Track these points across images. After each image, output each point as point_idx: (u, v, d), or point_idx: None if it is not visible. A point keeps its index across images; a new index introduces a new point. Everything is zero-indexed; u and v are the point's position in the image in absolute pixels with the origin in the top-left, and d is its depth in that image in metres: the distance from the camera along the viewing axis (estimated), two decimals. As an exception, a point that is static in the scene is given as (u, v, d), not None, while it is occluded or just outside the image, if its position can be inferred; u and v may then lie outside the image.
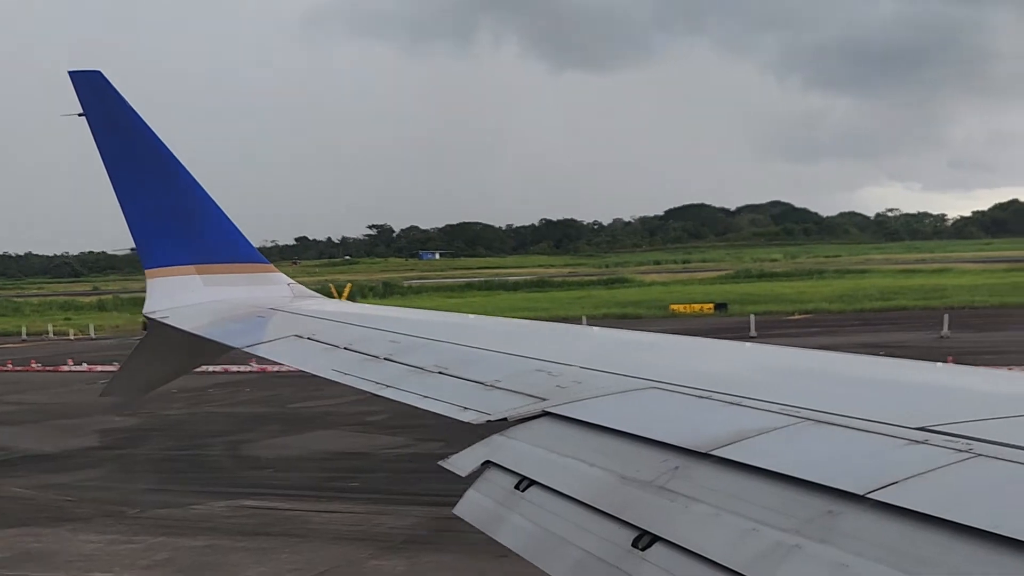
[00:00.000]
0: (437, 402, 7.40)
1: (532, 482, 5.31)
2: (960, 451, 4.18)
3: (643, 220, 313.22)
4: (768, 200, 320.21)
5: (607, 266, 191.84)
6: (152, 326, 14.09)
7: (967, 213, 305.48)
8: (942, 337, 67.91)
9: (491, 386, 7.27)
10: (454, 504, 5.51)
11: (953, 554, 3.42)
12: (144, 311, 14.38)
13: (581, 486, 5.03)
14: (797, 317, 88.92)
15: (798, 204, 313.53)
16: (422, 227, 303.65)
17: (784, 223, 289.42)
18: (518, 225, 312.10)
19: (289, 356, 10.60)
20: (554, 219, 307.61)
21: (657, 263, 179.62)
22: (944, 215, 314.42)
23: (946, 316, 71.98)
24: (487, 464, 5.76)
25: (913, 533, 3.62)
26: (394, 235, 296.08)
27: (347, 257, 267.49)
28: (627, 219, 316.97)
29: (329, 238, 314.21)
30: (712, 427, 5.16)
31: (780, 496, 4.21)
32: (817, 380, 6.31)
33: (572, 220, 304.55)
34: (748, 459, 4.59)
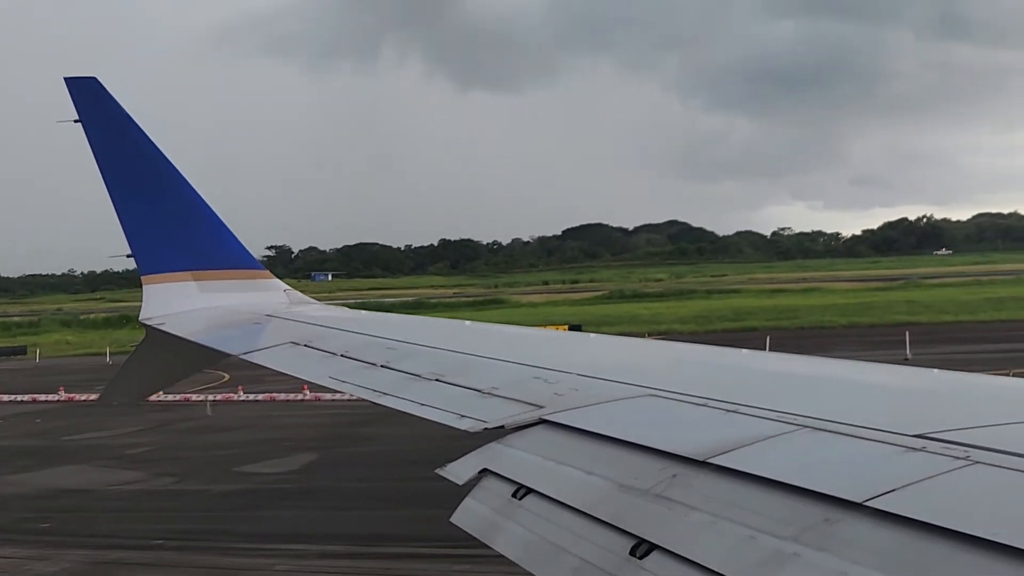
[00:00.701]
0: (434, 410, 7.39)
1: (529, 490, 5.30)
2: (958, 458, 4.17)
3: (541, 240, 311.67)
4: (666, 219, 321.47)
5: (496, 286, 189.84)
6: (148, 332, 14.06)
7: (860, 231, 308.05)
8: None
9: (488, 393, 7.25)
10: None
11: (951, 562, 3.42)
12: (140, 318, 14.35)
13: (578, 494, 5.02)
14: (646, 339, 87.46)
15: (696, 224, 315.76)
16: (320, 248, 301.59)
17: (680, 243, 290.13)
18: (417, 245, 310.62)
19: (285, 363, 10.57)
20: (453, 239, 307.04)
21: (546, 283, 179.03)
22: (838, 234, 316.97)
23: (768, 338, 70.40)
24: (484, 472, 5.75)
25: (911, 541, 3.61)
26: (293, 256, 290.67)
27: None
28: (526, 239, 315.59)
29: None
30: (709, 435, 5.16)
31: (778, 504, 4.20)
32: (814, 387, 6.30)
33: (469, 240, 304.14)
34: (746, 467, 4.58)
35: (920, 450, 4.37)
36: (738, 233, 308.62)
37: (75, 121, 14.12)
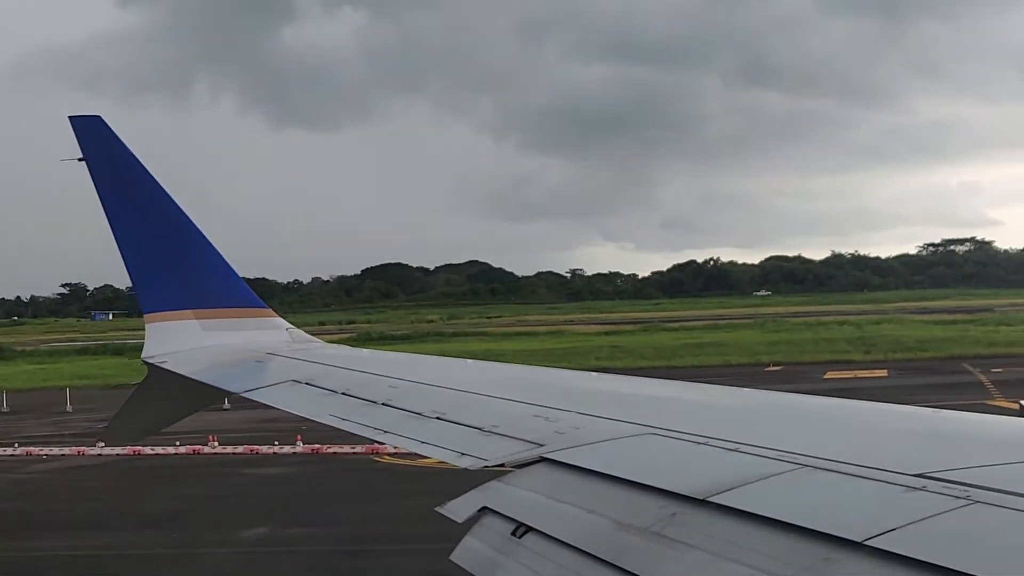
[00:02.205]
0: (435, 448, 7.39)
1: (529, 528, 5.28)
2: (958, 498, 4.16)
3: (341, 279, 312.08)
4: (467, 260, 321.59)
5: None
6: (151, 371, 14.07)
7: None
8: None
9: (489, 432, 7.25)
10: None
11: None
12: (142, 356, 14.36)
13: (578, 532, 5.01)
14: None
15: (497, 264, 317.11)
16: (116, 285, 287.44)
17: (478, 283, 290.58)
18: None
19: (286, 401, 10.57)
20: (250, 277, 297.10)
21: (322, 324, 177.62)
22: (636, 275, 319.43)
23: None
24: (484, 510, 5.73)
25: None
26: (88, 293, 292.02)
27: (15, 318, 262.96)
28: (326, 277, 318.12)
29: (18, 296, 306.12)
30: (710, 474, 5.15)
31: (777, 543, 4.19)
32: (815, 426, 6.29)
33: (265, 279, 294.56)
34: (745, 506, 4.57)
35: (920, 489, 4.36)
36: (538, 274, 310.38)
37: (79, 160, 14.18)
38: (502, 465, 6.40)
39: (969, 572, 3.46)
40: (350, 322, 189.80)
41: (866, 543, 3.87)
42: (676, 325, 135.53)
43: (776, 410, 7.18)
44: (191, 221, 14.91)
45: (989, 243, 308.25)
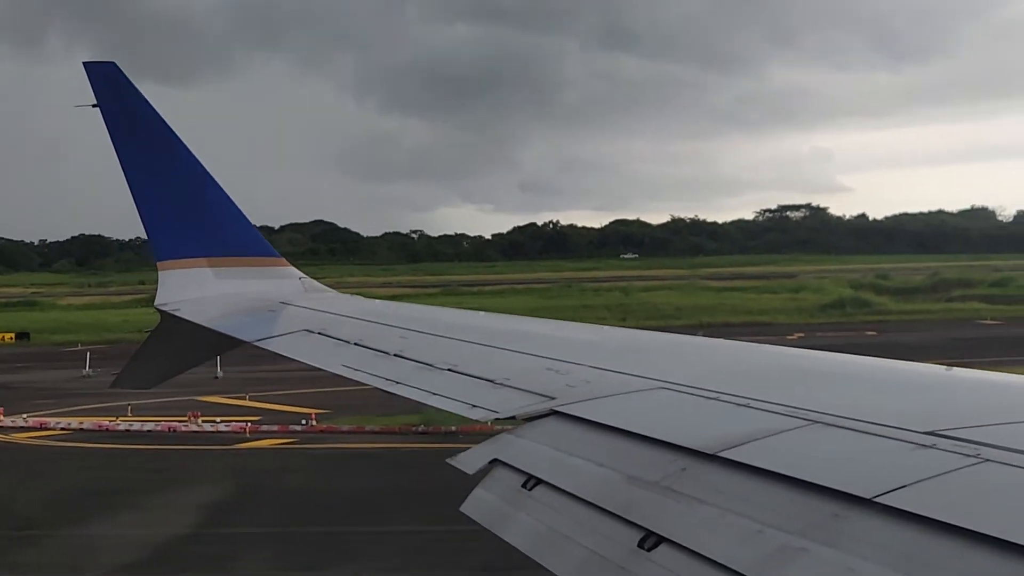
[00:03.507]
0: (446, 399, 7.41)
1: (539, 481, 5.31)
2: (968, 456, 4.16)
3: None
4: (313, 219, 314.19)
5: (89, 285, 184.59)
6: (163, 318, 14.11)
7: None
8: (84, 376, 63.41)
9: (500, 384, 7.27)
10: None
11: (961, 559, 3.42)
12: (155, 303, 14.40)
13: (588, 486, 5.03)
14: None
15: (343, 224, 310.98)
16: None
17: (321, 243, 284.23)
18: (52, 240, 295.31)
19: (299, 351, 10.60)
20: (89, 234, 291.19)
21: (141, 283, 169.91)
22: (481, 236, 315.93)
23: (88, 353, 68.17)
24: (495, 462, 5.76)
25: (920, 537, 3.61)
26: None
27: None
28: None
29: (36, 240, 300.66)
30: (720, 428, 5.16)
31: (787, 499, 4.20)
32: (826, 382, 6.29)
33: (101, 236, 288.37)
34: (755, 461, 4.58)
35: (931, 447, 4.36)
36: (384, 235, 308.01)
37: (93, 106, 14.16)
38: (513, 417, 6.42)
39: (979, 530, 3.47)
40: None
41: (875, 500, 3.88)
42: (475, 289, 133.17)
43: (787, 366, 7.18)
44: (205, 169, 14.90)
45: (824, 209, 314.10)
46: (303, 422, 42.61)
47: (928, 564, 3.48)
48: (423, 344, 9.39)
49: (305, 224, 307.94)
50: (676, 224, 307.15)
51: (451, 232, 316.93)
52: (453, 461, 6.01)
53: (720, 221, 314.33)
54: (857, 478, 4.13)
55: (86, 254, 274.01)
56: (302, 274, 15.55)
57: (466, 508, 5.48)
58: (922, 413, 4.90)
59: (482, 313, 12.90)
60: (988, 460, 4.10)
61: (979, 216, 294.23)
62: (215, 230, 14.96)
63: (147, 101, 14.39)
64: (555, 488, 5.17)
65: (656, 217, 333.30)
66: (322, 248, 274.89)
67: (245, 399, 49.79)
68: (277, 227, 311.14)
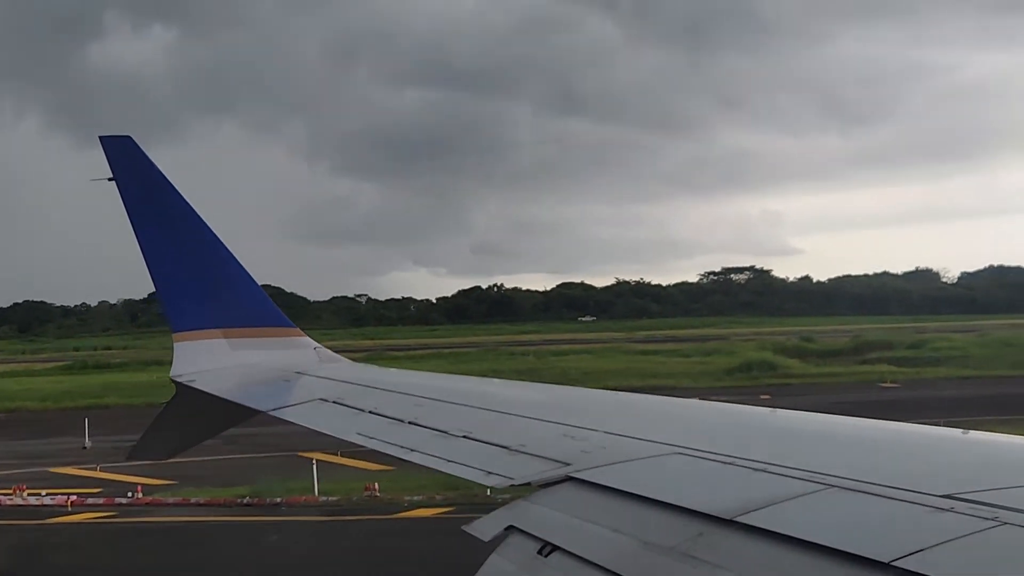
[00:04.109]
0: (461, 466, 7.39)
1: (555, 547, 5.28)
2: (986, 519, 4.15)
3: (127, 303, 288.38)
4: (264, 284, 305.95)
5: (23, 352, 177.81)
6: (179, 389, 14.13)
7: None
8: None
9: (516, 451, 7.25)
10: None
11: None
12: (171, 374, 14.43)
13: (605, 552, 5.01)
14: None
15: (291, 289, 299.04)
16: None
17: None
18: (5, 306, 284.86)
19: (314, 420, 10.60)
20: (34, 300, 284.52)
21: (76, 349, 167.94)
22: (429, 300, 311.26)
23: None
24: (510, 529, 5.74)
25: None
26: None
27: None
28: (113, 301, 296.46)
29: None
30: (737, 493, 5.14)
31: (805, 563, 4.18)
32: (842, 446, 6.28)
33: (44, 302, 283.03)
34: (773, 526, 4.57)
35: (948, 510, 4.35)
36: (332, 299, 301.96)
37: (109, 179, 14.29)
38: (528, 484, 6.40)
39: None
40: (106, 347, 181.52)
41: (894, 564, 3.86)
42: (401, 353, 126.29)
43: (804, 430, 7.16)
44: (220, 241, 15.00)
45: (767, 271, 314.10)
46: (128, 494, 40.99)
47: None
48: (438, 411, 9.39)
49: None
50: (620, 287, 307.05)
51: (399, 296, 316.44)
52: (469, 528, 5.99)
53: (665, 284, 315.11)
54: (875, 542, 4.12)
55: (29, 321, 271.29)
56: (317, 344, 15.59)
57: (482, 575, 5.45)
58: (939, 476, 4.89)
59: (497, 380, 12.87)
60: (1007, 523, 4.09)
61: (923, 278, 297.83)
62: (230, 301, 15.02)
63: (163, 174, 14.53)
64: (571, 554, 5.15)
65: (605, 280, 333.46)
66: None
67: (96, 469, 47.76)
68: None
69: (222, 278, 15.01)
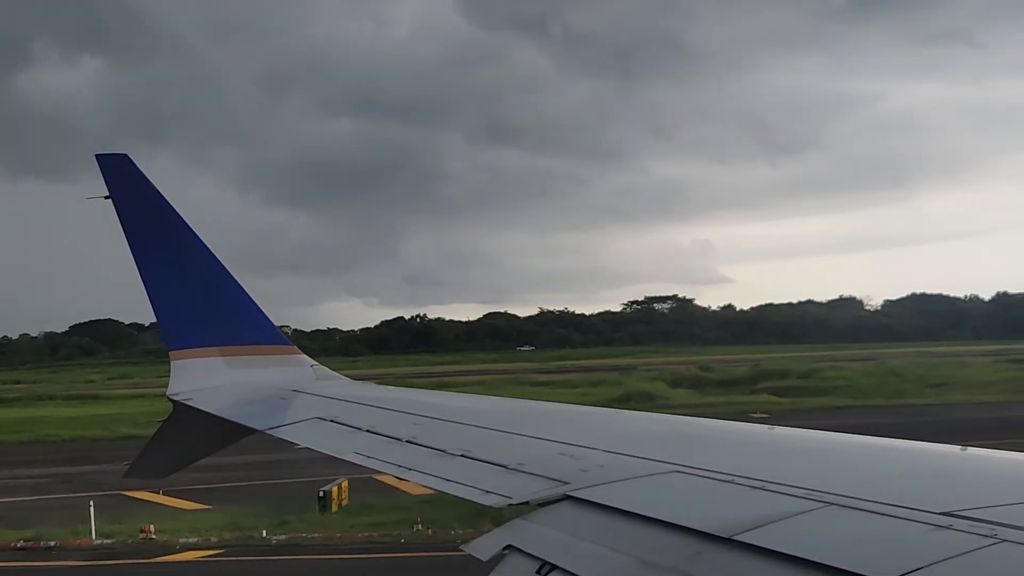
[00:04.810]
0: (459, 485, 7.37)
1: (554, 567, 5.27)
2: (985, 536, 4.14)
3: (48, 335, 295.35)
4: None
5: None
6: (176, 408, 14.10)
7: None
8: None
9: (514, 469, 7.23)
10: None
11: None
12: (167, 393, 14.38)
13: (602, 571, 5.00)
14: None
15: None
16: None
17: None
18: None
19: (311, 439, 10.57)
20: None
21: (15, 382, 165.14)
22: (353, 331, 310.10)
23: None
24: (509, 548, 5.72)
25: None
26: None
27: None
28: (35, 334, 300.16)
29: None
30: (735, 511, 5.13)
31: None
32: (841, 463, 6.27)
33: None
34: (771, 544, 4.56)
35: (947, 528, 4.34)
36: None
37: (105, 197, 14.27)
38: (527, 503, 6.39)
39: None
40: (16, 382, 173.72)
41: None
42: None
43: (801, 447, 7.16)
44: (217, 259, 14.97)
45: (690, 301, 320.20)
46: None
47: None
48: (436, 430, 9.37)
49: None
50: (544, 316, 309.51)
51: (326, 327, 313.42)
52: (467, 548, 5.97)
53: (588, 313, 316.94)
54: (874, 560, 4.11)
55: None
56: (314, 362, 15.56)
57: None
58: (938, 493, 4.88)
59: (495, 398, 12.85)
60: (1005, 540, 4.08)
61: (846, 306, 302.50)
62: (227, 319, 14.99)
63: (159, 192, 14.50)
64: (570, 574, 5.13)
65: (533, 309, 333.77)
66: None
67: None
68: (147, 324, 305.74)
69: (218, 296, 14.98)
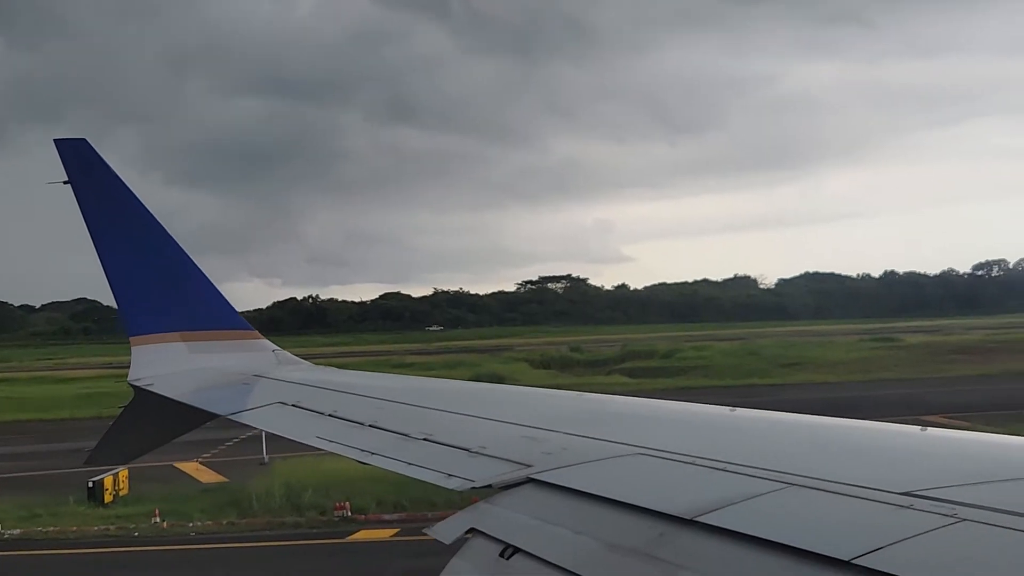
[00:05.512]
0: (422, 469, 7.35)
1: (517, 549, 5.26)
2: (945, 516, 4.17)
3: None
4: (76, 297, 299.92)
5: None
6: (137, 393, 14.01)
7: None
8: None
9: (477, 453, 7.23)
10: None
11: None
12: (129, 378, 14.29)
13: (566, 553, 4.99)
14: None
15: (107, 302, 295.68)
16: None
17: (83, 322, 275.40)
18: None
19: (273, 423, 10.53)
20: None
21: None
22: (247, 312, 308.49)
23: None
24: (472, 531, 5.71)
25: None
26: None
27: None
28: None
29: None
30: (697, 493, 5.14)
31: (766, 563, 4.18)
32: (802, 445, 6.29)
33: None
34: (733, 525, 4.57)
35: (908, 508, 4.36)
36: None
37: (64, 182, 14.14)
38: (490, 486, 6.38)
39: None
40: None
41: (854, 562, 3.87)
42: None
43: (763, 429, 7.18)
44: (177, 244, 14.87)
45: (584, 280, 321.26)
46: None
47: None
48: (399, 414, 9.34)
49: (66, 303, 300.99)
50: (437, 297, 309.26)
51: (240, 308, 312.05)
52: (430, 531, 5.96)
53: (482, 293, 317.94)
54: (835, 540, 4.13)
55: None
56: (276, 346, 15.49)
57: None
58: (898, 474, 4.90)
59: (459, 382, 12.83)
60: (965, 520, 4.10)
61: (740, 285, 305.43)
62: (187, 305, 14.90)
63: (118, 177, 14.38)
64: (533, 556, 5.13)
65: (431, 290, 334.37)
66: (74, 327, 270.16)
67: None
68: (38, 306, 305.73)
69: (179, 281, 14.88)
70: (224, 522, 39.36)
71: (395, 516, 38.49)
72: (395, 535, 37.04)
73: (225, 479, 46.85)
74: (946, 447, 5.94)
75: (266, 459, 49.98)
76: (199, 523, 38.77)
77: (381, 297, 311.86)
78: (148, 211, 14.54)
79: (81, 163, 14.18)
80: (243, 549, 36.88)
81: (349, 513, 38.91)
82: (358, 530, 37.86)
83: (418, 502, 38.06)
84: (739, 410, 7.71)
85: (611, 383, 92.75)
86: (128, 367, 14.39)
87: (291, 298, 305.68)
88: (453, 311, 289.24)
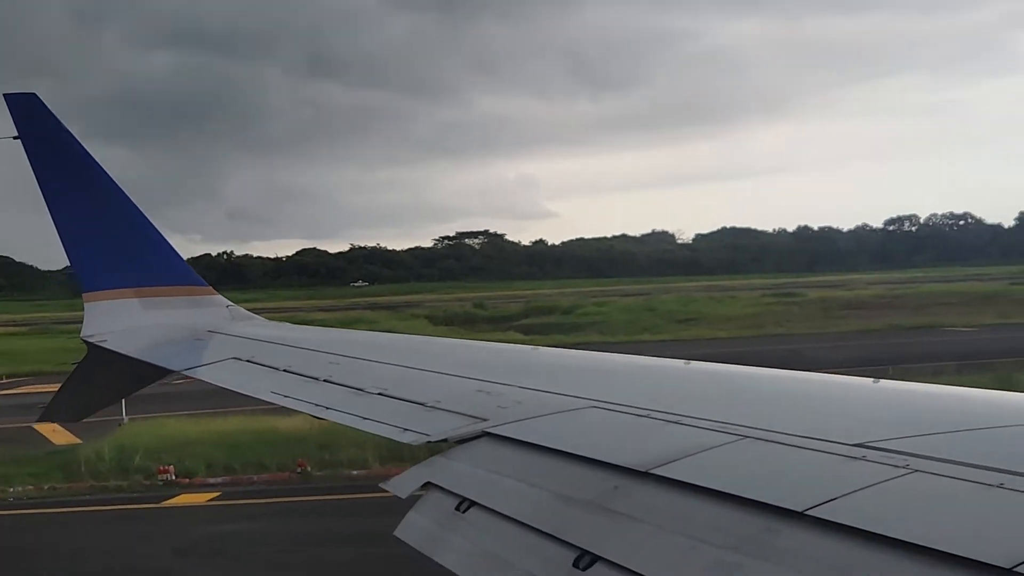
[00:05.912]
0: (377, 423, 7.36)
1: (473, 503, 5.28)
2: (897, 467, 4.20)
3: None
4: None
5: None
6: (90, 350, 13.92)
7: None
8: None
9: (432, 407, 7.23)
10: None
11: (891, 569, 3.44)
12: (81, 335, 14.20)
13: (521, 506, 5.01)
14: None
15: (21, 259, 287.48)
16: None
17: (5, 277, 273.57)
18: None
19: (228, 379, 10.49)
20: None
21: None
22: None
23: None
24: (428, 485, 5.72)
25: (851, 549, 3.63)
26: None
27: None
28: None
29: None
30: (651, 446, 5.16)
31: (719, 514, 4.21)
32: (756, 397, 6.33)
33: None
34: (687, 477, 4.59)
35: (860, 459, 4.40)
36: (64, 268, 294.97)
37: (14, 138, 13.97)
38: (445, 440, 6.39)
39: (908, 540, 3.49)
40: None
41: (807, 513, 3.90)
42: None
43: (716, 381, 7.22)
44: (129, 199, 14.74)
45: (501, 236, 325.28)
46: None
47: (859, 575, 3.50)
48: (353, 368, 9.33)
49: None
50: (354, 253, 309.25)
51: None
52: (386, 485, 5.97)
53: (399, 249, 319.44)
54: (788, 492, 4.15)
55: None
56: (229, 302, 15.42)
57: (400, 532, 5.44)
58: (851, 425, 4.94)
59: (412, 336, 12.83)
60: (917, 471, 4.14)
61: (658, 240, 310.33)
62: (141, 260, 14.79)
63: (69, 132, 14.22)
64: (489, 510, 5.15)
65: (379, 244, 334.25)
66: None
67: None
68: None
69: (132, 237, 14.76)
70: (46, 487, 37.54)
71: (219, 479, 37.11)
72: (212, 499, 35.20)
73: (79, 441, 44.76)
74: (899, 399, 5.99)
75: (124, 420, 48.10)
76: (19, 488, 37.24)
77: (297, 253, 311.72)
78: (100, 167, 14.41)
79: (31, 118, 14.01)
80: (47, 515, 34.15)
81: (173, 477, 37.15)
82: (179, 494, 35.61)
83: (248, 465, 37.05)
84: (693, 363, 7.74)
85: (505, 340, 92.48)
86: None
87: (206, 254, 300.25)
88: (369, 267, 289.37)
